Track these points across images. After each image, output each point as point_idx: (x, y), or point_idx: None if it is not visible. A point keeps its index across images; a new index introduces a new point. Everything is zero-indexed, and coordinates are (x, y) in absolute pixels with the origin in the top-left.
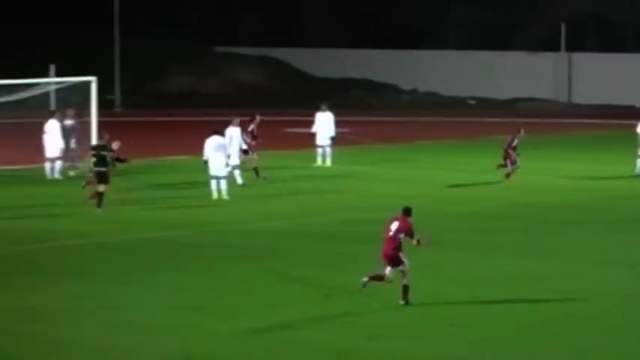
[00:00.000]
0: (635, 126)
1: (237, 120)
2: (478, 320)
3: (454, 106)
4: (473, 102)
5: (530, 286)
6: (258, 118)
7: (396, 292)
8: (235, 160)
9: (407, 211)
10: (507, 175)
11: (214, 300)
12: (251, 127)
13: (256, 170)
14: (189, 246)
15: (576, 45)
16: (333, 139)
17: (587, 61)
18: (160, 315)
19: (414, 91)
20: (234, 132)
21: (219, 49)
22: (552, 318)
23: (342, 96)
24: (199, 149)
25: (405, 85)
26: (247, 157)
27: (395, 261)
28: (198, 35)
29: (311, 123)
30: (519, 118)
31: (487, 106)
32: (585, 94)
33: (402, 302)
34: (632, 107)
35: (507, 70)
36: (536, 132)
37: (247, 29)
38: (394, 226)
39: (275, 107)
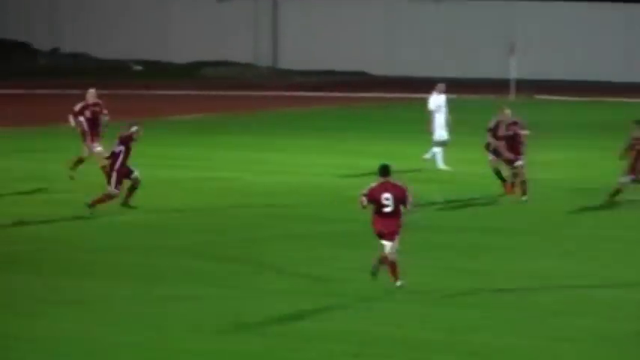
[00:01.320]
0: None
1: None
2: None
3: (113, 73)
4: (139, 68)
5: None
6: None
7: None
8: None
9: (387, 171)
10: (520, 184)
11: None
12: None
13: None
14: None
15: None
16: None
17: (297, 12)
18: None
19: (54, 53)
20: None
21: None
22: None
23: None
24: None
25: (42, 45)
26: None
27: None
28: None
29: None
30: (206, 90)
31: (159, 72)
32: (296, 57)
33: (399, 283)
34: (362, 74)
35: (187, 24)
36: (226, 109)
37: None
38: (389, 196)
39: None
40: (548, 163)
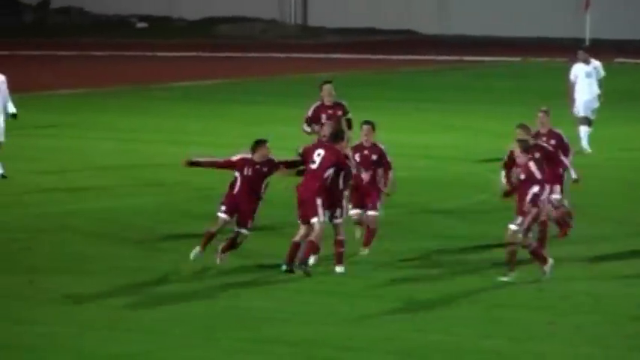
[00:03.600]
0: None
1: None
2: None
3: (111, 31)
4: (142, 25)
5: None
6: None
7: None
8: None
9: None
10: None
11: None
12: None
13: None
14: None
15: None
16: None
17: None
18: None
19: (44, 7)
20: None
21: None
22: None
23: None
24: None
25: None
26: None
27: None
28: None
29: None
30: (220, 52)
31: (164, 30)
32: (329, 13)
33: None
34: (408, 33)
35: None
36: (244, 74)
37: None
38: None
39: None
40: None
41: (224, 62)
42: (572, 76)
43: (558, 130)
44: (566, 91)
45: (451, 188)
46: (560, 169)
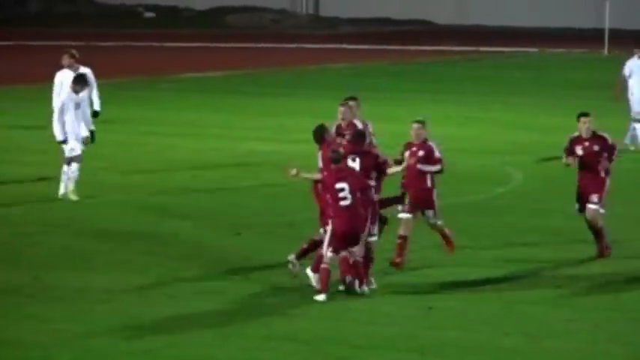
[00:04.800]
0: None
1: None
2: None
3: (118, 20)
4: (150, 14)
5: None
6: None
7: None
8: None
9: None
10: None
11: None
12: None
13: None
14: None
15: None
16: None
17: None
18: None
19: None
20: None
21: None
22: None
23: None
24: None
25: None
26: None
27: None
28: None
29: None
30: (230, 42)
31: (172, 20)
32: (342, 2)
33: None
34: (425, 23)
35: None
36: (255, 65)
37: None
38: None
39: None
40: None
41: (234, 53)
42: (626, 71)
43: (603, 134)
44: (616, 84)
45: (468, 182)
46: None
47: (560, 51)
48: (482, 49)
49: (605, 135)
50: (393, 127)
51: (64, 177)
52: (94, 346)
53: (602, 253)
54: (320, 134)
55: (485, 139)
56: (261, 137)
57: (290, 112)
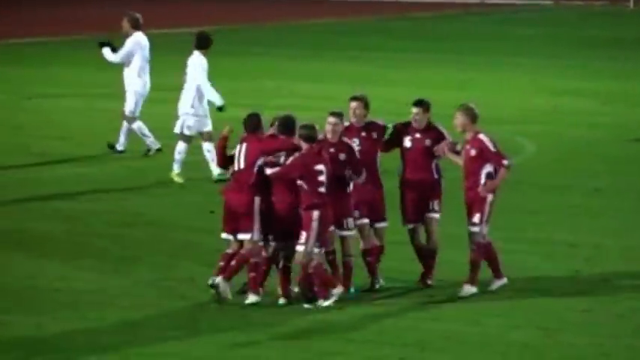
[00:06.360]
0: None
1: None
2: None
3: None
4: None
5: None
6: None
7: None
8: None
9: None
10: None
11: None
12: None
13: None
14: None
15: None
16: None
17: None
18: None
19: None
20: None
21: None
22: None
23: None
24: None
25: None
26: None
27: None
28: None
29: None
30: None
31: None
32: None
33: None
34: None
35: None
36: (229, 20)
37: None
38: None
39: None
40: None
41: (205, 7)
42: None
43: None
44: None
45: None
46: None
47: (578, 4)
48: (487, 1)
49: None
50: (387, 92)
51: (209, 156)
52: (101, 344)
53: None
54: (254, 123)
55: (492, 105)
56: (234, 103)
57: (268, 74)
